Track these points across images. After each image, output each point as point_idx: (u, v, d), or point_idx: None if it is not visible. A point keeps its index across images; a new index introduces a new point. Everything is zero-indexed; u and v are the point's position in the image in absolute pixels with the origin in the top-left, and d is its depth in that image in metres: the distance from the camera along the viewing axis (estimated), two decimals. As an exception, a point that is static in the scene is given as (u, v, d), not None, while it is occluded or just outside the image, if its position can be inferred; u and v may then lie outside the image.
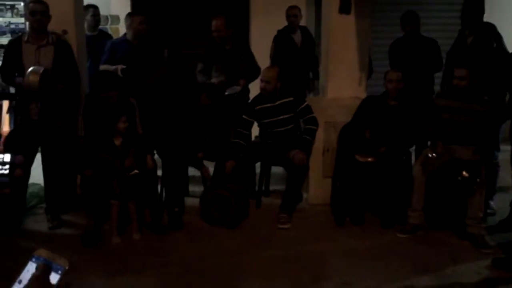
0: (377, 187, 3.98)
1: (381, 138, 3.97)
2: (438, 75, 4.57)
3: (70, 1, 4.15)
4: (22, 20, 5.92)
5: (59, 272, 0.86)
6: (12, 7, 6.16)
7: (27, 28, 4.43)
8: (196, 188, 4.49)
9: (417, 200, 3.75)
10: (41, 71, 3.49)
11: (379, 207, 4.04)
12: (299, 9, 5.22)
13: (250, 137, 4.35)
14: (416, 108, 4.04)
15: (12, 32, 6.04)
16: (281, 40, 5.22)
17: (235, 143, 4.14)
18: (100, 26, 5.44)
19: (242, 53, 4.66)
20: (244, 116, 4.20)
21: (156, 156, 4.10)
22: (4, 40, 5.67)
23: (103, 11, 5.59)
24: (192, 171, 4.44)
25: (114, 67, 4.38)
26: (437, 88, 4.58)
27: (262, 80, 4.15)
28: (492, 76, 3.92)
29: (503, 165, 4.11)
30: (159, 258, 3.42)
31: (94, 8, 5.22)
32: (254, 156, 4.23)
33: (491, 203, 4.12)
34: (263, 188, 4.46)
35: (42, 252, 0.88)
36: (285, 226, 3.92)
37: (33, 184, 4.24)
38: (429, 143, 3.99)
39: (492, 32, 4.13)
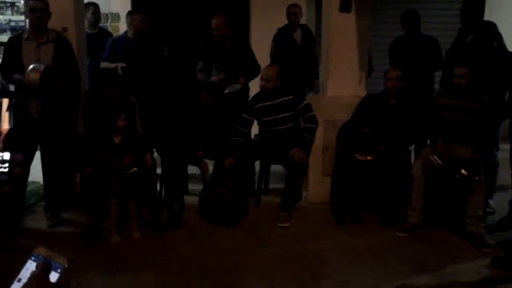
0: (377, 186, 3.98)
1: (381, 136, 3.97)
2: (438, 74, 4.57)
3: (70, -1, 4.15)
4: (22, 17, 5.92)
5: (59, 270, 0.86)
6: (12, 4, 6.16)
7: (27, 26, 4.42)
8: (195, 186, 4.49)
9: (416, 199, 3.75)
10: (42, 68, 3.49)
11: (379, 206, 4.04)
12: (300, 7, 5.21)
13: (250, 136, 4.35)
14: (416, 107, 4.04)
15: (12, 29, 6.04)
16: (281, 38, 5.21)
17: (234, 141, 4.14)
18: (100, 24, 5.44)
19: (242, 51, 4.65)
20: (244, 115, 4.19)
21: (155, 154, 4.10)
22: (4, 37, 5.67)
23: (103, 9, 5.59)
24: (192, 170, 4.43)
25: (114, 65, 4.38)
26: (437, 86, 4.58)
27: (262, 79, 4.15)
28: (492, 74, 3.92)
29: (502, 164, 4.11)
30: (158, 256, 3.43)
31: (94, 6, 5.22)
32: (253, 154, 4.22)
33: (490, 202, 4.12)
34: (263, 186, 4.45)
35: (42, 250, 0.88)
36: (285, 225, 3.92)
37: (33, 182, 4.24)
38: (428, 142, 3.99)
39: (492, 31, 4.13)
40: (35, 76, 3.46)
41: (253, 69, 4.61)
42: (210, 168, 4.31)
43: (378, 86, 4.30)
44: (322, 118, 4.21)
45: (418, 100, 4.14)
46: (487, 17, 4.16)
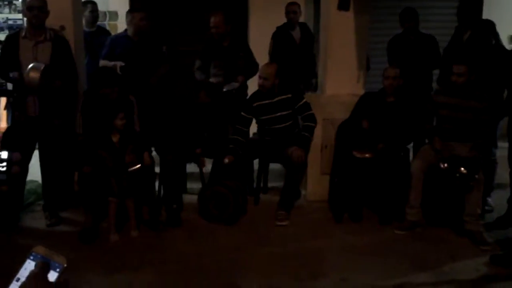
0: (375, 184, 3.98)
1: (379, 134, 3.97)
2: (437, 72, 4.57)
3: (68, -3, 4.13)
4: (20, 16, 5.90)
5: (58, 270, 0.86)
6: (10, 3, 6.14)
7: (25, 24, 4.41)
8: (194, 185, 4.48)
9: (415, 197, 3.75)
10: (42, 67, 3.48)
11: (377, 204, 4.04)
12: (299, 6, 5.21)
13: (248, 134, 4.34)
14: (414, 105, 4.04)
15: (10, 28, 6.02)
16: (280, 36, 5.21)
17: (233, 140, 4.14)
18: (98, 22, 5.43)
19: (240, 50, 4.65)
20: (242, 113, 4.19)
21: (154, 153, 4.09)
22: (2, 36, 5.65)
23: (101, 7, 5.58)
24: (190, 168, 4.43)
25: (112, 63, 4.37)
26: (435, 84, 4.58)
27: (260, 77, 4.14)
28: (490, 73, 3.92)
29: (500, 162, 4.12)
30: (157, 255, 3.42)
31: (92, 4, 5.21)
32: (252, 153, 4.22)
33: (489, 200, 4.12)
34: (261, 185, 4.46)
35: (40, 250, 0.88)
36: (283, 223, 3.92)
37: (31, 181, 4.23)
38: (426, 140, 3.99)
39: (491, 29, 4.13)
40: (35, 75, 3.46)
41: (252, 68, 4.61)
42: (209, 165, 4.31)
43: (377, 85, 4.31)
44: (320, 116, 4.20)
45: (417, 98, 4.14)
46: (485, 16, 4.16)
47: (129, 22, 4.58)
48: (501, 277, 3.14)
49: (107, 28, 5.93)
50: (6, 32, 5.87)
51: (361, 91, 4.37)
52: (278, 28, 5.23)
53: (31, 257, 0.87)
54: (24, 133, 3.72)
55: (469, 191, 3.57)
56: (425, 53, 4.52)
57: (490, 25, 4.19)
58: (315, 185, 4.38)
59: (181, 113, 4.29)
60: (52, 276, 0.85)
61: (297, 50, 5.17)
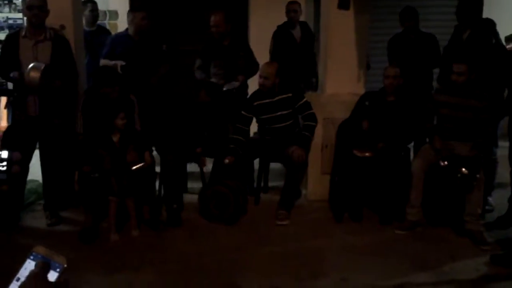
0: (376, 184, 3.98)
1: (379, 134, 3.97)
2: (437, 71, 4.56)
3: (68, -4, 4.13)
4: (20, 15, 5.89)
5: (58, 270, 0.85)
6: (10, 2, 6.13)
7: (25, 24, 4.41)
8: (194, 185, 4.48)
9: (415, 197, 3.74)
10: (42, 67, 3.48)
11: (378, 204, 4.04)
12: (299, 5, 5.20)
13: (249, 133, 4.34)
14: (414, 104, 4.04)
15: (10, 27, 6.01)
16: (281, 35, 5.20)
17: (233, 139, 4.13)
18: (98, 22, 5.43)
19: (240, 49, 4.65)
20: (242, 112, 4.19)
21: (154, 152, 4.09)
22: (2, 35, 5.64)
23: (101, 7, 5.58)
24: (191, 168, 4.43)
25: (113, 62, 4.37)
26: (435, 83, 4.58)
27: (260, 76, 4.14)
28: (490, 72, 3.92)
29: (501, 161, 4.11)
30: (157, 254, 3.42)
31: (93, 3, 5.21)
32: (252, 152, 4.22)
33: (490, 199, 4.12)
34: (262, 184, 4.45)
35: (40, 250, 0.87)
36: (284, 223, 3.92)
37: (32, 180, 4.23)
38: (427, 140, 3.99)
39: (491, 28, 4.12)
40: (35, 75, 3.45)
41: (252, 67, 4.60)
42: (209, 165, 4.31)
43: (377, 84, 4.30)
44: (321, 116, 4.20)
45: (417, 98, 4.13)
46: (486, 15, 4.16)
47: (130, 22, 4.58)
48: (502, 277, 3.14)
49: (107, 27, 5.92)
50: (6, 31, 5.86)
51: (362, 91, 4.36)
52: (278, 27, 5.23)
53: (31, 257, 0.86)
54: (24, 133, 3.72)
55: (470, 191, 3.56)
56: (425, 52, 4.52)
57: (491, 24, 4.19)
58: (316, 184, 4.37)
59: (182, 113, 4.28)
60: (52, 276, 0.85)
61: (297, 49, 5.17)
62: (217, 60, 4.58)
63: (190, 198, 4.24)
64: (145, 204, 3.81)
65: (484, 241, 3.53)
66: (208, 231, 3.80)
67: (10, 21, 6.12)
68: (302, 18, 5.39)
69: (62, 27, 4.05)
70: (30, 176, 3.99)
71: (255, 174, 4.41)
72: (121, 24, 5.88)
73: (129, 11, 4.74)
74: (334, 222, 3.97)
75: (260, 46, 5.07)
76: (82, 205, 3.76)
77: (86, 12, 5.05)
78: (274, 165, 4.54)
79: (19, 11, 5.94)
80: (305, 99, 4.16)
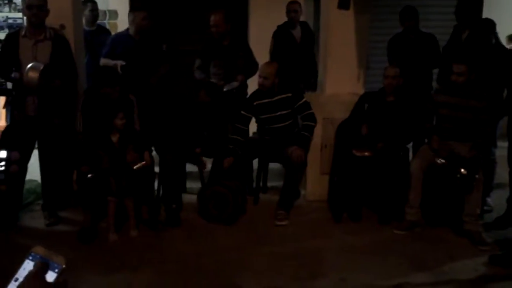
0: (375, 184, 3.98)
1: (379, 134, 3.97)
2: (437, 71, 4.56)
3: (68, -4, 4.13)
4: (20, 15, 5.89)
5: (56, 270, 0.85)
6: (10, 1, 6.13)
7: (25, 23, 4.41)
8: (193, 185, 4.48)
9: (414, 197, 3.75)
10: (41, 67, 3.48)
11: (377, 204, 4.04)
12: (300, 5, 5.20)
13: (248, 133, 4.34)
14: (414, 104, 4.04)
15: (10, 27, 6.01)
16: (281, 35, 5.20)
17: (233, 139, 4.13)
18: (98, 21, 5.43)
19: (240, 49, 4.64)
20: (242, 112, 4.18)
21: (153, 152, 4.09)
22: (2, 35, 5.64)
23: (101, 6, 5.57)
24: (190, 168, 4.43)
25: (113, 62, 4.37)
26: (435, 84, 4.58)
27: (260, 76, 4.13)
28: (490, 72, 3.92)
29: (500, 161, 4.12)
30: (156, 254, 3.42)
31: (92, 3, 5.20)
32: (251, 152, 4.22)
33: (488, 200, 4.12)
34: (261, 184, 4.45)
35: (39, 250, 0.87)
36: (283, 223, 3.92)
37: (30, 180, 4.23)
38: (426, 140, 3.99)
39: (491, 29, 4.13)
40: (34, 75, 3.45)
41: (251, 67, 4.60)
42: (208, 165, 4.30)
43: (377, 84, 4.30)
44: (320, 116, 4.20)
45: (417, 98, 4.13)
46: (485, 15, 4.16)
47: (131, 22, 4.58)
48: (500, 277, 3.14)
49: (107, 27, 5.92)
50: (6, 31, 5.86)
51: (361, 91, 4.37)
52: (279, 27, 5.23)
53: (30, 257, 0.86)
54: (23, 132, 3.72)
55: (469, 191, 3.56)
56: (425, 52, 4.52)
57: (491, 24, 4.19)
58: (315, 184, 4.37)
59: (181, 113, 4.28)
60: (51, 276, 0.85)
61: (297, 50, 5.16)
62: (216, 60, 4.58)
63: (189, 198, 4.23)
64: (144, 204, 3.81)
65: (482, 241, 3.53)
66: (207, 231, 3.80)
67: (10, 21, 6.12)
68: (301, 18, 5.39)
69: (62, 26, 4.05)
70: (28, 176, 3.99)
71: (254, 174, 4.41)
72: (121, 23, 5.88)
73: (130, 11, 4.74)
74: (333, 222, 3.97)
75: (260, 46, 5.07)
76: (81, 205, 3.76)
77: (86, 12, 5.05)
78: (273, 165, 4.54)
79: (19, 11, 5.94)
80: (304, 99, 4.15)
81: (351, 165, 3.98)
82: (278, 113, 4.13)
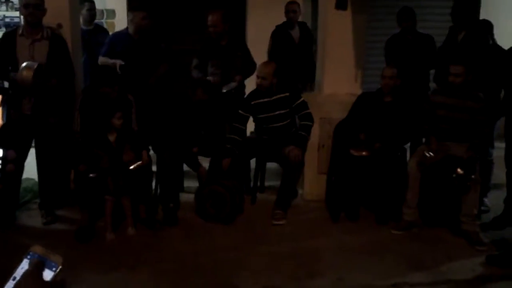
0: (372, 183, 3.98)
1: (376, 134, 3.98)
2: (433, 72, 4.57)
3: (65, -5, 4.12)
4: (17, 13, 5.87)
5: (53, 269, 0.85)
6: (7, 0, 6.12)
7: (22, 22, 4.40)
8: (191, 184, 4.47)
9: (411, 197, 3.75)
10: (35, 66, 3.46)
11: (374, 204, 4.04)
12: (298, 5, 5.20)
13: (246, 132, 4.34)
14: (411, 105, 4.05)
15: (7, 26, 6.00)
16: (279, 36, 5.20)
17: (230, 139, 4.13)
18: (96, 21, 5.42)
19: (238, 49, 4.64)
20: (240, 111, 4.18)
21: (151, 151, 4.09)
22: (-1, 34, 5.63)
23: (98, 5, 5.56)
24: (187, 167, 4.42)
25: (112, 61, 4.36)
26: (432, 84, 4.59)
27: (258, 76, 4.13)
28: (486, 73, 3.93)
29: (497, 162, 4.13)
30: (153, 254, 3.42)
31: (90, 2, 5.19)
32: (249, 152, 4.22)
33: (485, 200, 4.13)
34: (258, 184, 4.46)
35: (38, 249, 0.87)
36: (280, 222, 3.92)
37: (27, 179, 4.22)
38: (423, 140, 4.00)
39: (488, 30, 4.14)
40: (28, 74, 3.43)
41: (249, 67, 4.60)
42: (206, 165, 4.30)
43: (375, 85, 4.30)
44: (318, 115, 4.21)
45: (414, 98, 4.14)
46: (482, 17, 4.17)
47: (130, 21, 4.58)
48: (497, 277, 3.15)
49: (105, 26, 5.91)
50: (3, 30, 5.84)
51: (359, 91, 4.37)
52: (277, 27, 5.23)
53: (28, 257, 0.86)
54: (19, 131, 3.71)
55: (466, 191, 3.57)
56: (422, 52, 4.52)
57: (488, 25, 4.20)
58: (312, 184, 4.38)
59: (178, 112, 4.28)
60: (48, 275, 0.85)
61: (295, 50, 5.17)
62: (214, 60, 4.57)
63: (186, 197, 4.23)
64: (141, 203, 3.81)
65: (480, 241, 3.54)
66: (205, 231, 3.80)
67: (7, 20, 6.10)
68: (299, 18, 5.39)
69: (59, 26, 4.04)
70: (25, 175, 3.98)
71: (252, 173, 4.41)
72: (118, 23, 5.88)
73: (129, 10, 4.74)
74: (331, 222, 3.97)
75: (258, 46, 5.07)
76: (78, 204, 3.75)
77: (84, 11, 5.04)
78: (271, 165, 4.54)
79: (16, 10, 5.92)
80: (302, 99, 4.16)
81: (348, 165, 3.98)
82: (276, 112, 4.13)
